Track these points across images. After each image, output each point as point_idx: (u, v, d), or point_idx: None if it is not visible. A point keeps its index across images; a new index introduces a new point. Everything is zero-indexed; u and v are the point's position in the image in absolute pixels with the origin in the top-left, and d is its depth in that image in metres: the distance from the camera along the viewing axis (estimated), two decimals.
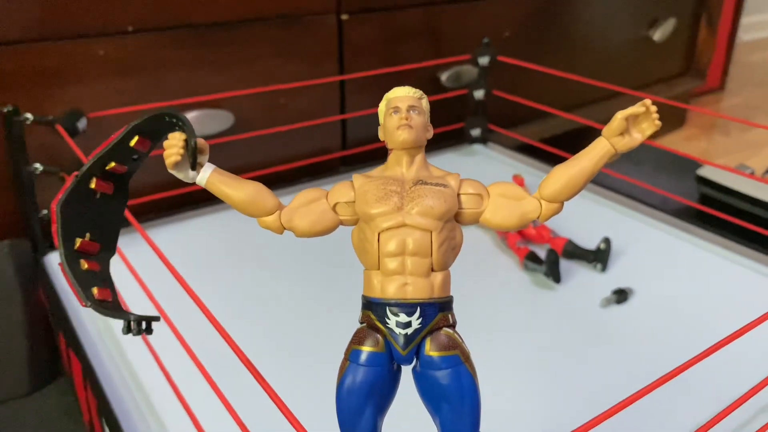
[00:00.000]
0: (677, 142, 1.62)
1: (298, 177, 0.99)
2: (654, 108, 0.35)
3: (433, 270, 0.36)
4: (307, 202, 0.38)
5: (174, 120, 0.36)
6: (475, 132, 1.13)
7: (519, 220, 0.37)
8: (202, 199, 0.91)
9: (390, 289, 0.35)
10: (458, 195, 0.37)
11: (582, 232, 0.84)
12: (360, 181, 0.38)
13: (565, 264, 0.79)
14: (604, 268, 0.78)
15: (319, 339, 0.66)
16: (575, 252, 0.80)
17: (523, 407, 0.59)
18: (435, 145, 1.11)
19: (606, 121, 0.36)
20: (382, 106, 0.40)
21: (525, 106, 1.01)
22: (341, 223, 0.38)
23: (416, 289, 0.35)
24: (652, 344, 0.67)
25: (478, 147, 1.13)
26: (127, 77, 0.87)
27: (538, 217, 0.37)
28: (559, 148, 0.98)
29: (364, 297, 0.37)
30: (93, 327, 0.69)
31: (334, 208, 0.38)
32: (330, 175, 1.02)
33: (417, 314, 0.35)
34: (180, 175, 0.37)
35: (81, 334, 0.68)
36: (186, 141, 0.35)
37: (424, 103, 0.39)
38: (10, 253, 0.80)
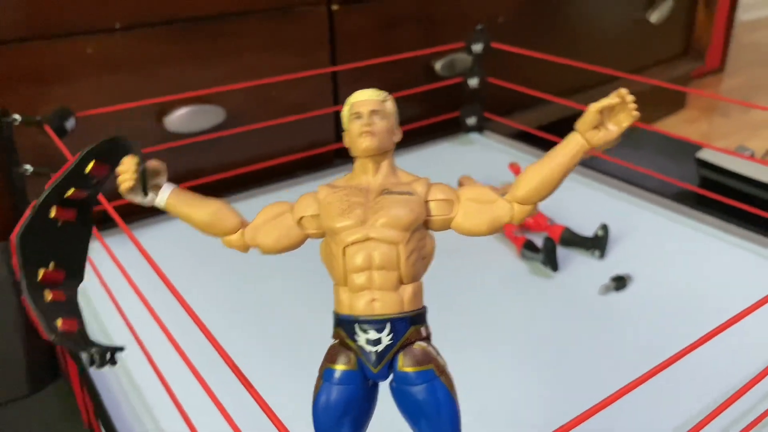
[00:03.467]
0: (677, 125, 1.60)
1: (292, 171, 0.98)
2: (631, 98, 0.33)
3: (402, 283, 0.35)
4: (271, 218, 0.37)
5: (126, 144, 0.36)
6: (471, 121, 1.11)
7: (489, 225, 0.36)
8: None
9: (358, 305, 0.34)
10: (427, 202, 0.36)
11: (579, 219, 0.83)
12: (324, 192, 0.36)
13: (562, 252, 0.78)
14: (602, 255, 0.78)
15: (312, 338, 0.65)
16: (573, 239, 0.79)
17: (521, 397, 0.58)
18: (430, 135, 1.10)
19: None
20: (345, 111, 0.38)
21: (521, 93, 1.00)
22: (309, 237, 0.37)
23: (385, 304, 0.34)
24: (652, 331, 0.66)
25: (474, 136, 1.12)
26: (116, 75, 0.86)
27: (511, 220, 0.36)
28: (557, 134, 0.96)
29: (334, 313, 0.36)
30: (88, 328, 0.69)
31: (299, 222, 0.37)
32: (325, 168, 1.01)
33: (387, 330, 0.34)
34: (136, 200, 0.36)
35: None
36: (138, 165, 0.35)
37: (389, 105, 0.38)
38: (3, 255, 0.79)
